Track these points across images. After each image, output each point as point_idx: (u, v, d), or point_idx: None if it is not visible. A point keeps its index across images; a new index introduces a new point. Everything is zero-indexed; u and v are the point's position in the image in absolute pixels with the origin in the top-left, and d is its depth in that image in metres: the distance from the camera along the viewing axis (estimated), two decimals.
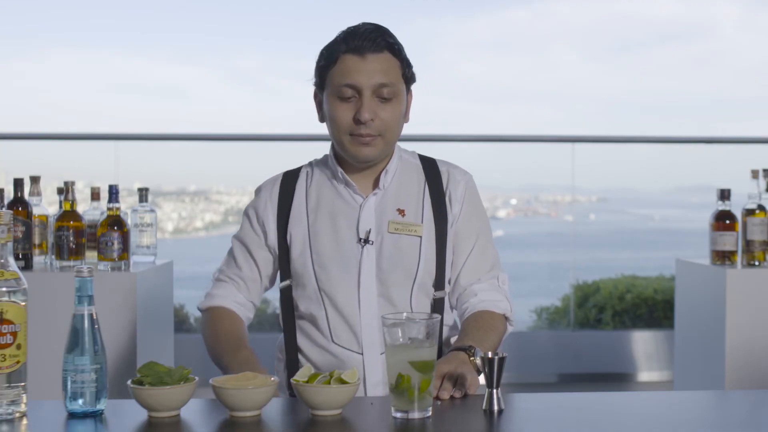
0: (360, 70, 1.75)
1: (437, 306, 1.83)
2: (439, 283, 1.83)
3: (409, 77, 1.83)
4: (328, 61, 1.79)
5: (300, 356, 1.83)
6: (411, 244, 1.80)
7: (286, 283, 1.85)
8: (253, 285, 1.90)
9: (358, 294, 1.78)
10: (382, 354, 1.76)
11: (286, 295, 1.86)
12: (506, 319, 1.83)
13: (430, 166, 1.90)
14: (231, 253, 1.92)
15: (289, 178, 1.90)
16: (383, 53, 1.77)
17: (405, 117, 1.86)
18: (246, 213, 1.92)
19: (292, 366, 1.82)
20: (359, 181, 1.85)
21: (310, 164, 1.93)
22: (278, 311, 1.90)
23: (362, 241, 1.79)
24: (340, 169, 1.84)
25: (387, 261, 1.79)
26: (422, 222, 1.82)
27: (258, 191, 1.92)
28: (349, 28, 1.80)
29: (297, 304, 1.84)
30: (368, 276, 1.79)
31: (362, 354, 1.77)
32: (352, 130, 1.77)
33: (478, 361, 1.50)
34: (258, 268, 1.88)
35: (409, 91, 1.86)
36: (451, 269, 1.86)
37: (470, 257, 1.86)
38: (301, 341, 1.83)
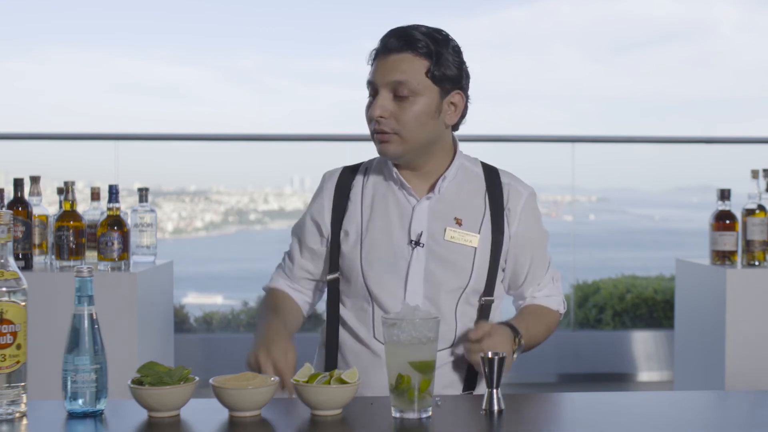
0: (378, 68, 1.79)
1: (483, 310, 1.84)
2: (488, 291, 1.84)
3: (440, 77, 1.78)
4: (370, 62, 1.84)
5: (339, 350, 1.84)
6: (465, 254, 1.81)
7: (334, 275, 1.86)
8: (304, 281, 1.95)
9: (404, 295, 1.79)
10: None
11: (333, 288, 1.87)
12: (559, 313, 1.97)
13: (492, 177, 1.89)
14: (291, 243, 1.97)
15: (348, 173, 1.92)
16: (404, 53, 1.78)
17: (445, 117, 1.82)
18: (310, 204, 1.95)
19: (330, 358, 1.85)
20: (415, 184, 1.85)
21: (371, 161, 1.94)
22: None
23: (413, 243, 1.80)
24: (395, 171, 1.84)
25: (439, 267, 1.79)
26: (479, 233, 1.82)
27: (321, 183, 1.95)
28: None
29: (343, 297, 1.85)
30: (416, 278, 1.79)
31: None
32: (372, 127, 1.80)
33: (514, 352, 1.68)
34: (312, 262, 1.92)
35: (450, 93, 1.81)
36: (511, 278, 1.92)
37: (530, 270, 1.91)
38: (343, 335, 1.84)
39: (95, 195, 2.93)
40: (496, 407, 1.48)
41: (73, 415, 1.44)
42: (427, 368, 1.43)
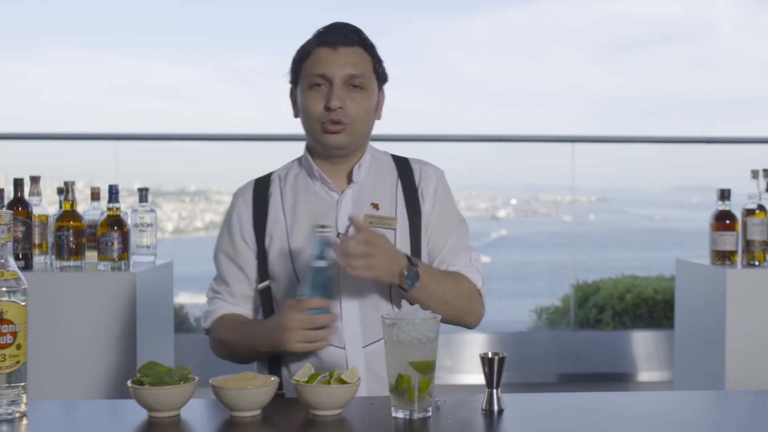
0: (331, 60, 1.81)
1: None
2: None
3: (380, 74, 1.88)
4: (302, 55, 1.86)
5: (282, 359, 1.82)
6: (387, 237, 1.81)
7: (266, 284, 1.85)
8: (247, 299, 1.89)
9: (339, 289, 1.79)
10: (363, 348, 1.78)
11: (266, 296, 1.86)
12: (479, 293, 1.85)
13: (402, 164, 1.93)
14: (219, 269, 1.92)
15: (262, 183, 1.92)
16: (355, 47, 1.83)
17: (377, 114, 1.90)
18: (225, 224, 1.92)
19: (274, 364, 1.82)
20: (333, 177, 1.87)
21: (284, 168, 1.95)
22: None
23: (341, 236, 1.80)
24: (316, 167, 1.86)
25: None
26: (396, 216, 1.83)
27: (233, 200, 1.93)
28: (323, 27, 1.87)
29: (278, 304, 1.84)
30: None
31: (344, 348, 1.78)
32: (323, 118, 1.81)
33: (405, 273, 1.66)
34: (248, 279, 1.88)
35: (381, 89, 1.90)
36: (428, 260, 1.89)
37: (444, 249, 1.88)
38: None
39: (95, 195, 2.93)
40: (496, 407, 1.48)
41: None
42: (427, 368, 1.43)
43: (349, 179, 1.87)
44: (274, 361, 1.83)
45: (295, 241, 1.83)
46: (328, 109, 1.80)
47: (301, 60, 1.85)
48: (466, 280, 1.83)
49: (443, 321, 1.79)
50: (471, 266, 1.87)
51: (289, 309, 1.67)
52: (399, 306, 1.80)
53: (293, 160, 1.96)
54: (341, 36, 1.82)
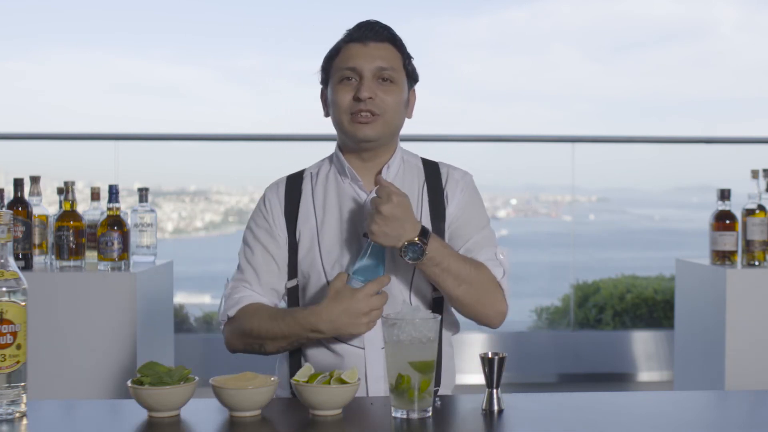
0: (361, 55, 1.82)
1: (436, 305, 1.84)
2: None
3: (410, 71, 1.89)
4: (332, 53, 1.87)
5: (303, 353, 1.83)
6: None
7: (294, 282, 1.86)
8: (273, 292, 1.86)
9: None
10: (383, 348, 1.77)
11: (293, 295, 1.86)
12: (499, 285, 1.79)
13: (431, 168, 1.92)
14: (248, 258, 1.87)
15: (294, 180, 1.92)
16: (385, 43, 1.85)
17: (407, 111, 1.90)
18: (257, 215, 1.91)
19: (296, 363, 1.82)
20: (363, 175, 1.87)
21: (316, 165, 1.95)
22: None
23: (366, 236, 1.80)
24: (347, 164, 1.86)
25: (388, 254, 1.79)
26: (420, 219, 1.82)
27: (264, 195, 1.93)
28: (353, 26, 1.88)
29: (303, 302, 1.84)
30: None
31: (364, 348, 1.78)
32: (352, 108, 1.81)
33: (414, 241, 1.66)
34: (279, 271, 1.86)
35: (411, 88, 1.91)
36: None
37: (467, 244, 1.84)
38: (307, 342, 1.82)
39: (95, 195, 2.93)
40: (496, 407, 1.48)
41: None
42: (427, 368, 1.43)
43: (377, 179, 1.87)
44: (295, 353, 1.82)
45: (325, 238, 1.83)
46: (357, 99, 1.80)
47: (331, 58, 1.86)
48: (485, 269, 1.77)
49: (461, 313, 1.81)
50: (494, 260, 1.81)
51: (361, 293, 1.66)
52: None
53: (325, 158, 1.95)
54: (371, 32, 1.84)
